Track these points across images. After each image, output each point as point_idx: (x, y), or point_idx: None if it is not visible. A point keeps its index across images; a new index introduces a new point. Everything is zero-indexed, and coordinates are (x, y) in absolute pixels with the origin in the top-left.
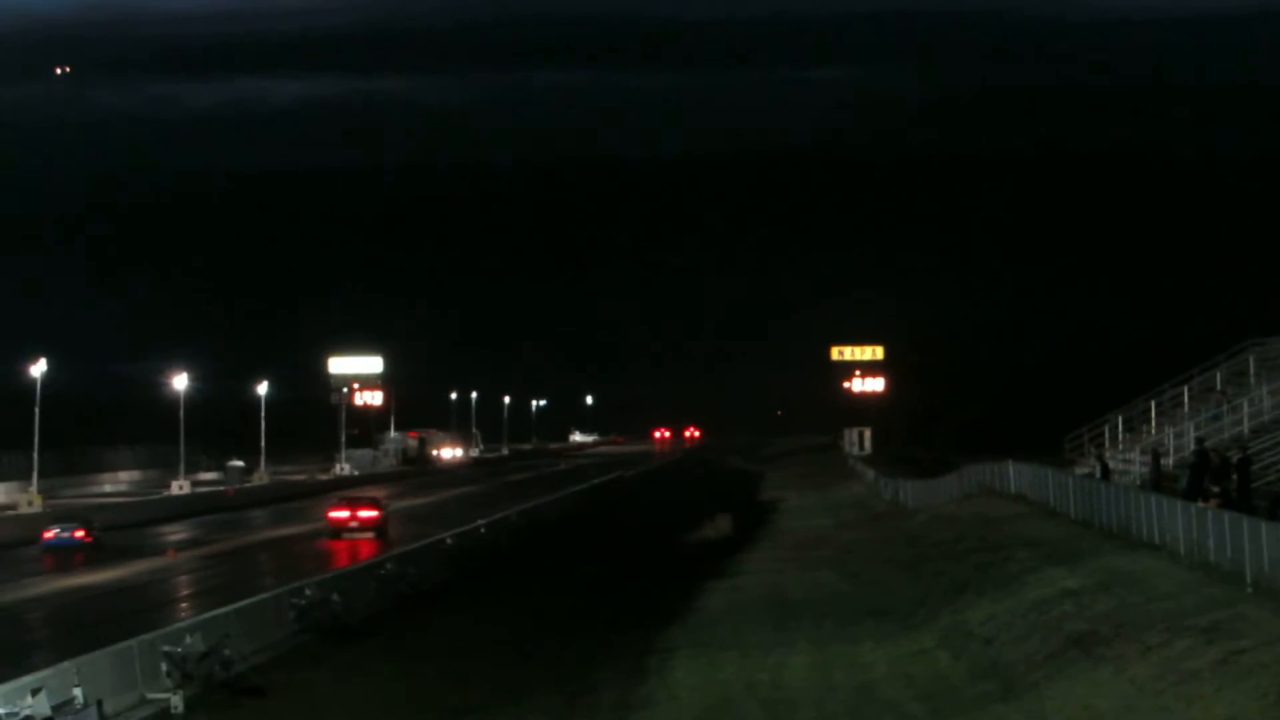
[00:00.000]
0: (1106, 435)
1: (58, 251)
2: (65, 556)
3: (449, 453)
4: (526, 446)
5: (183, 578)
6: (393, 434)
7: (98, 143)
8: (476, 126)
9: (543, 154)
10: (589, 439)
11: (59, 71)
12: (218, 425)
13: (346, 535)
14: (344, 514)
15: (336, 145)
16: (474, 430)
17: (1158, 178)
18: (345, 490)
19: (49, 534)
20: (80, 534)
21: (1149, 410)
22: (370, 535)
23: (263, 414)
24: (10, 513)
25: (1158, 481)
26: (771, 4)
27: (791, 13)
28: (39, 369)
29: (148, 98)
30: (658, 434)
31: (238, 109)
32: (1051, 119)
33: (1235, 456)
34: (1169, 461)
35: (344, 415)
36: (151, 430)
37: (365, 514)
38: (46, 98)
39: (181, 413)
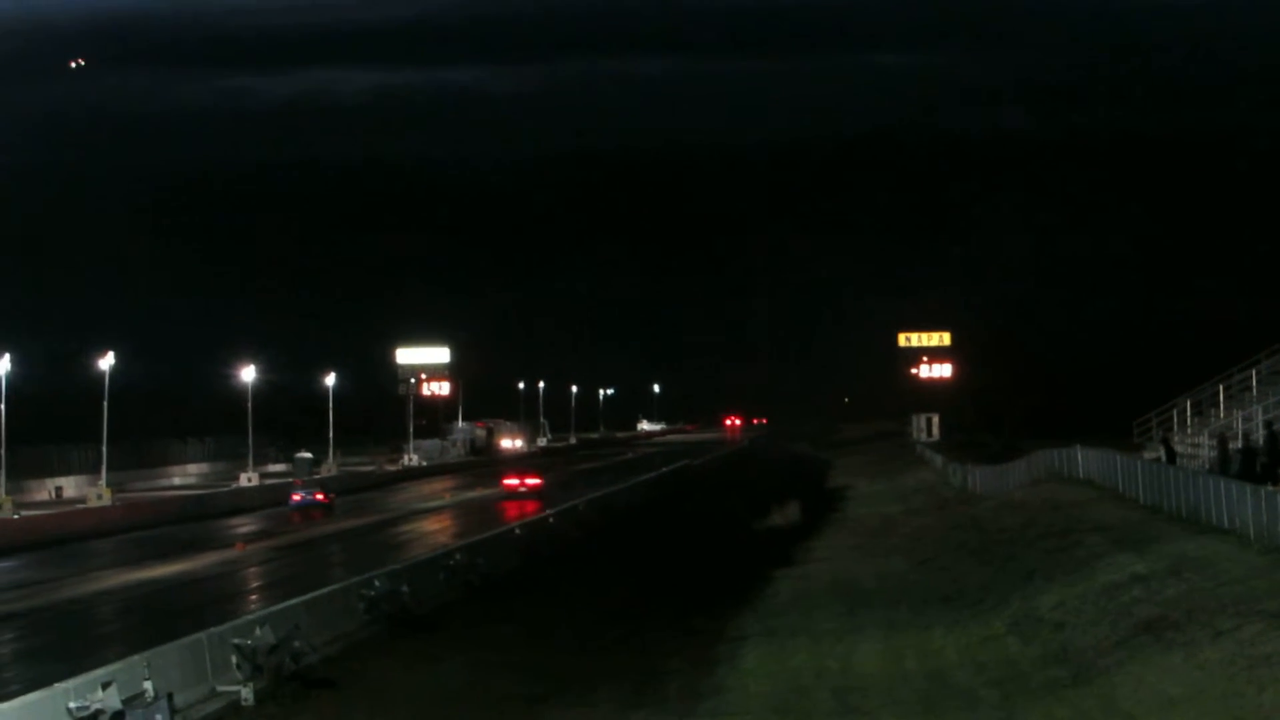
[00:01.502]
0: (1175, 419)
1: (126, 244)
2: (307, 513)
3: (508, 443)
4: (594, 435)
5: (252, 570)
6: (460, 424)
7: (168, 135)
8: (548, 116)
9: (612, 143)
10: (657, 428)
11: (74, 65)
12: (286, 417)
13: (516, 498)
14: (514, 481)
15: (406, 136)
16: (541, 420)
17: (1228, 162)
18: (416, 480)
19: (296, 496)
20: (320, 496)
21: (1217, 394)
22: (535, 497)
23: (330, 405)
24: (81, 505)
25: (1225, 466)
26: None
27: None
28: (107, 362)
29: (219, 90)
30: (728, 422)
31: (308, 101)
32: (1121, 102)
33: None
34: (1237, 445)
35: (411, 406)
36: (220, 423)
37: (531, 481)
38: (117, 91)
39: (250, 405)
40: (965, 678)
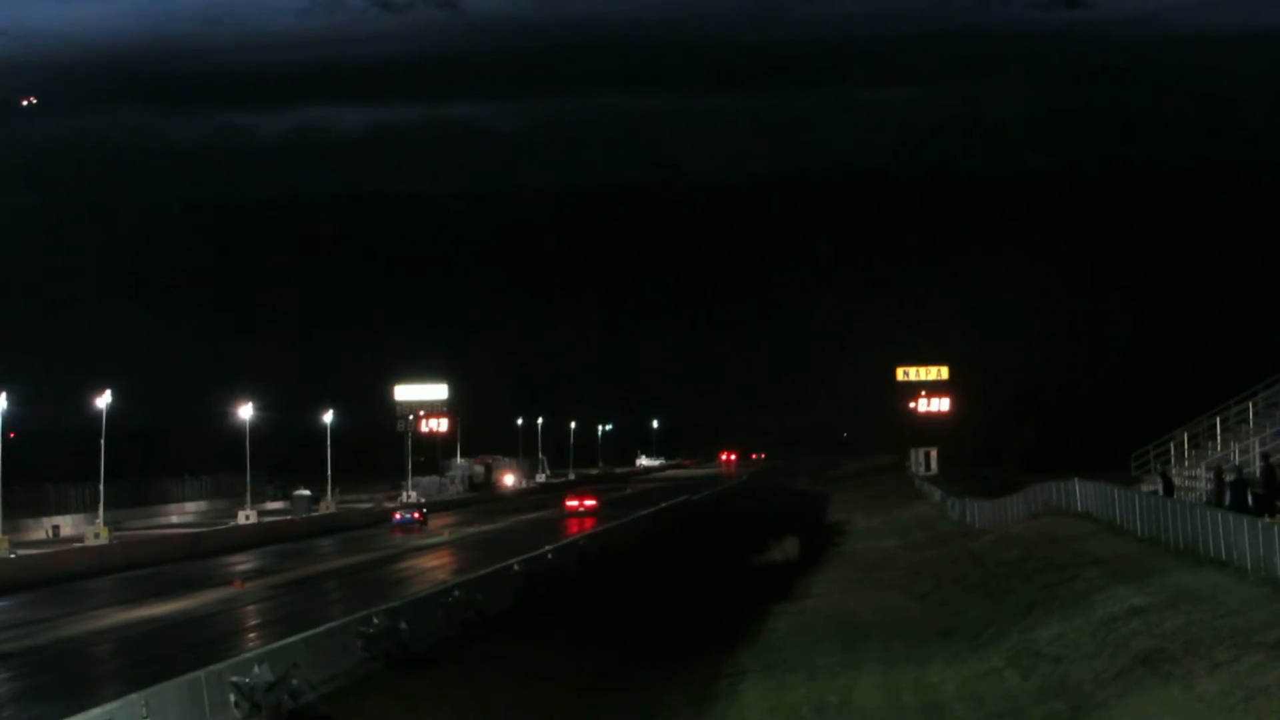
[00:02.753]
0: (1172, 452)
1: (124, 281)
2: (407, 529)
3: (506, 479)
4: (593, 471)
5: (250, 607)
6: (459, 460)
7: (167, 172)
8: (543, 152)
9: (610, 179)
10: (655, 463)
11: (25, 104)
12: (284, 455)
13: (576, 516)
14: (574, 502)
15: (403, 172)
16: (540, 456)
17: (1223, 196)
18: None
19: (397, 515)
20: (417, 515)
21: (1214, 427)
22: (592, 515)
23: (328, 442)
24: (79, 544)
25: (1221, 498)
26: (838, 27)
27: (858, 35)
28: (104, 401)
29: (217, 126)
30: (724, 457)
31: (306, 136)
32: (1117, 138)
33: None
34: (1231, 477)
35: (410, 442)
36: (218, 460)
37: (588, 502)
38: (118, 128)
39: (247, 442)
40: (964, 712)
